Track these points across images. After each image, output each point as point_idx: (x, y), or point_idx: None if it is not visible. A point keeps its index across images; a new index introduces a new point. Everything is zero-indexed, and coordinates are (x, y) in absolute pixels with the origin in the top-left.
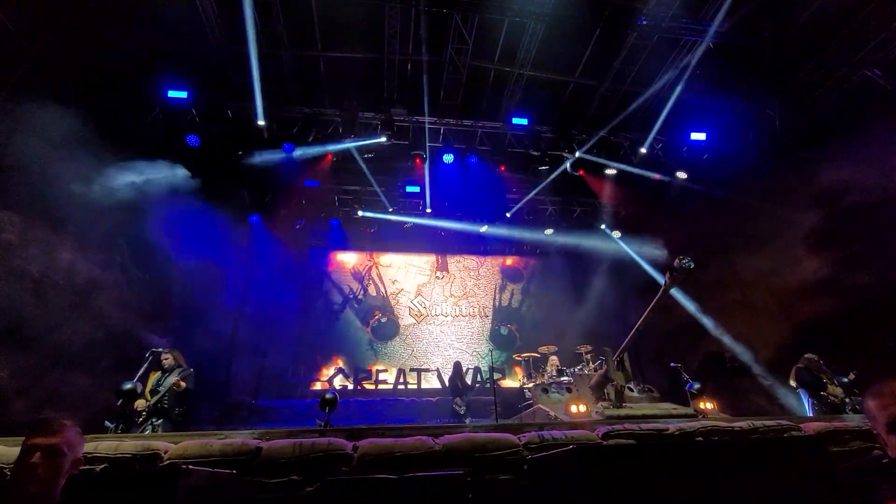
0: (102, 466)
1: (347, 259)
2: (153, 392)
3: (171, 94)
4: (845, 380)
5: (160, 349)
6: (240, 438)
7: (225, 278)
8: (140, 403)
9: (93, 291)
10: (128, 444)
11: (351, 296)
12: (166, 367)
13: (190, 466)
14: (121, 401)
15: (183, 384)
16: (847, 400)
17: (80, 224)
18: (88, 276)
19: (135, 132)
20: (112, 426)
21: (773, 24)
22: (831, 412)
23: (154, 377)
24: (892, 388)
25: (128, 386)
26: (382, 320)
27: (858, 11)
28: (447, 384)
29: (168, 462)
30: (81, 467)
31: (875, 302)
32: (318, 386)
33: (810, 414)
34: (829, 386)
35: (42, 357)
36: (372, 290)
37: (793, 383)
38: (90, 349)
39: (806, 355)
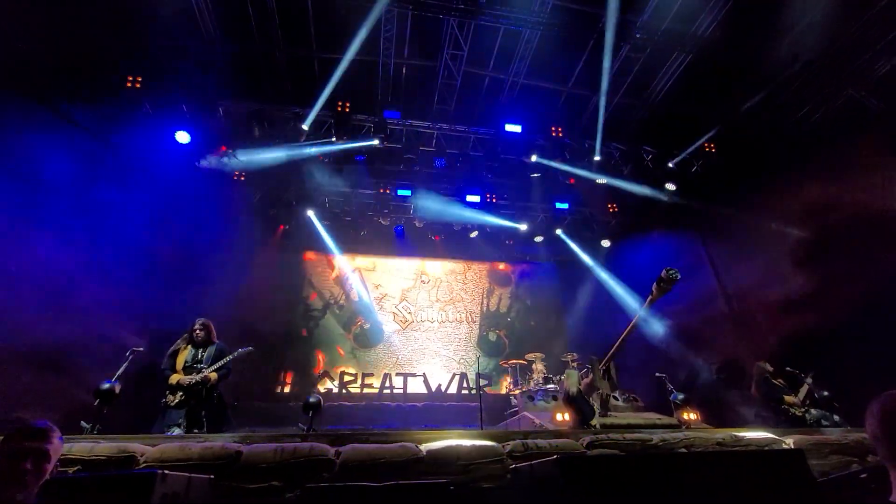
0: (76, 468)
1: (329, 261)
2: (188, 369)
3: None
4: (807, 383)
5: (140, 348)
6: (220, 442)
7: (207, 280)
8: (175, 378)
9: (71, 289)
10: (103, 447)
11: (332, 301)
12: (199, 340)
13: (166, 472)
14: (98, 401)
15: (214, 375)
16: (809, 412)
17: (61, 220)
18: (67, 274)
19: (122, 128)
20: (88, 427)
21: (763, 39)
22: (794, 425)
23: (185, 353)
24: None
25: (106, 386)
26: (365, 326)
27: (844, 31)
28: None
29: (144, 465)
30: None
31: (858, 317)
32: (301, 389)
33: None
34: (785, 397)
35: (15, 355)
36: (354, 295)
37: (757, 395)
38: (66, 348)
39: (758, 363)
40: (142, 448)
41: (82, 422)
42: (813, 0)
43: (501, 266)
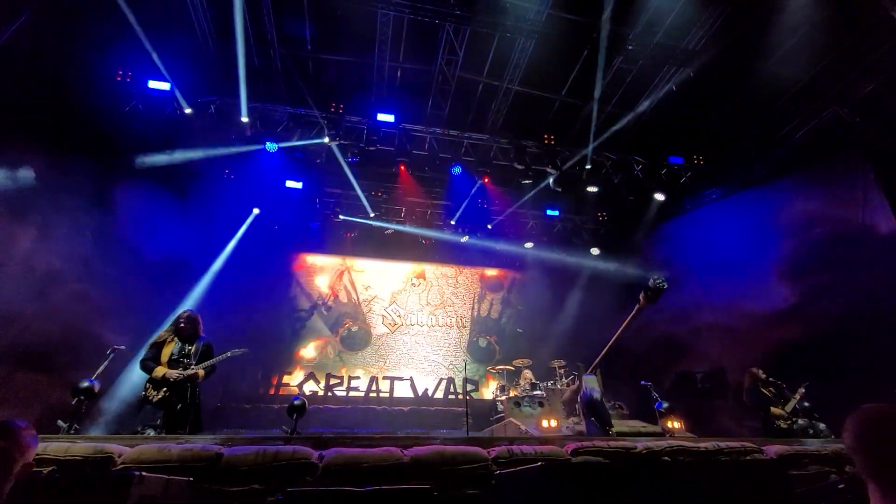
0: (50, 469)
1: (318, 262)
2: (174, 362)
3: (152, 84)
4: (795, 398)
5: (122, 346)
6: (200, 443)
7: (192, 277)
8: (161, 371)
9: (52, 284)
10: (79, 447)
11: (320, 301)
12: (185, 333)
13: (143, 473)
14: (76, 399)
15: (202, 373)
16: (796, 423)
17: (45, 213)
18: (48, 268)
19: (109, 122)
20: (65, 426)
21: (752, 56)
22: (779, 437)
23: (171, 346)
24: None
25: (85, 384)
26: (353, 329)
27: (832, 51)
28: None
29: (122, 467)
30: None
31: (840, 328)
32: (287, 391)
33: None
34: (772, 408)
35: None
36: (343, 297)
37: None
38: (45, 344)
39: (750, 369)
40: (119, 449)
41: (59, 421)
42: (801, 21)
43: (493, 271)
